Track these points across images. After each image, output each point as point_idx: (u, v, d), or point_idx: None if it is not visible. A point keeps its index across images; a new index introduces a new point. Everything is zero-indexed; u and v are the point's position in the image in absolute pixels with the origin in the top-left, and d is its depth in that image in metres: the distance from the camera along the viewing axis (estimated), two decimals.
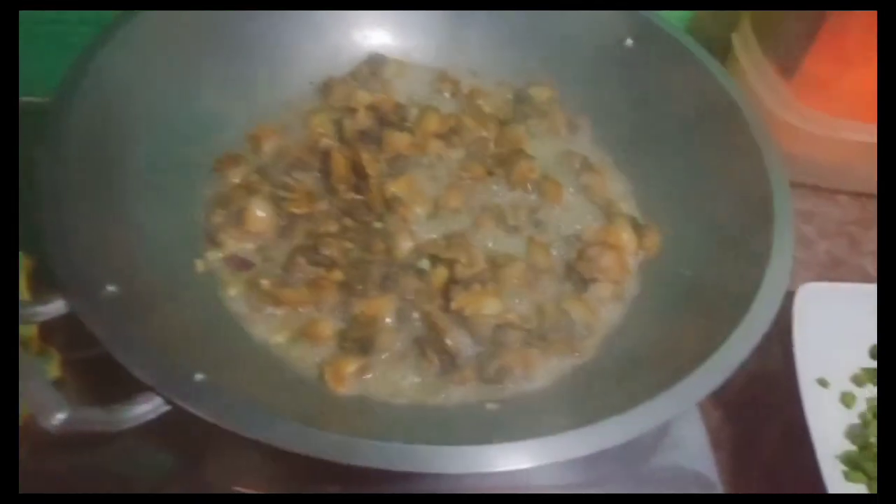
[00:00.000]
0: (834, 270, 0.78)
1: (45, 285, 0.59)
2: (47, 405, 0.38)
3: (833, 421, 0.64)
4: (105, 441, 0.57)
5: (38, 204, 0.49)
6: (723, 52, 0.81)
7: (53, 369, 0.57)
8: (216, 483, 0.56)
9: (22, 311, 0.43)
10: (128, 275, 0.50)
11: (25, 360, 0.39)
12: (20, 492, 0.44)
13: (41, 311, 0.44)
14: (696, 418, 0.63)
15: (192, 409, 0.42)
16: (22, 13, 0.81)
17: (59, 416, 0.38)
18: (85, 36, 0.83)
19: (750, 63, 0.80)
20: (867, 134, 0.75)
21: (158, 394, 0.42)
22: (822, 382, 0.66)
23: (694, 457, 0.61)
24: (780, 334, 0.64)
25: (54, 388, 0.39)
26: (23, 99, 0.88)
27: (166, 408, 0.42)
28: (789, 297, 0.64)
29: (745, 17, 0.83)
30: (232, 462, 0.57)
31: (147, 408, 0.41)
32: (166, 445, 0.58)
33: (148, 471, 0.57)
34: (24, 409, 0.54)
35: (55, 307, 0.45)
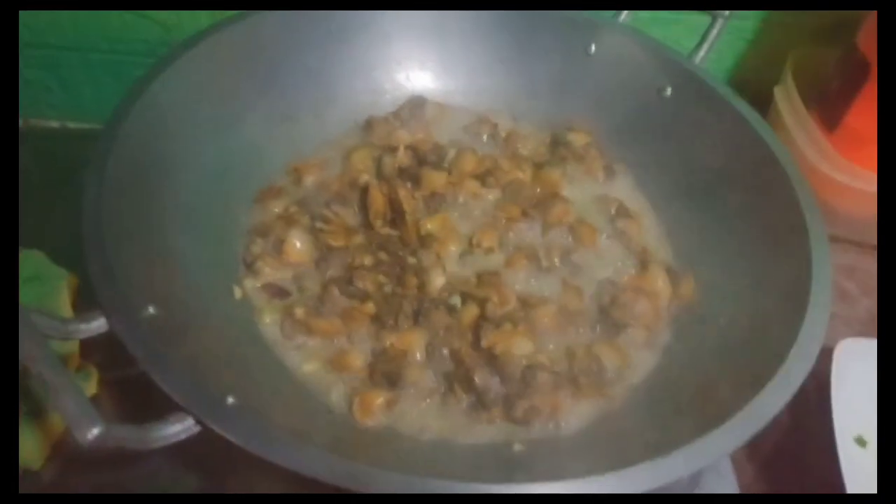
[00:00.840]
0: (875, 327, 0.76)
1: (88, 304, 0.61)
2: (82, 420, 0.39)
3: (871, 480, 0.62)
4: (130, 462, 0.59)
5: (83, 225, 0.51)
6: (765, 104, 0.81)
7: (91, 386, 0.59)
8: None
9: (64, 328, 0.45)
10: (167, 298, 0.51)
11: (63, 374, 0.40)
12: None
13: (83, 328, 0.45)
14: (728, 472, 0.62)
15: (222, 432, 0.42)
16: (79, 43, 0.85)
17: (94, 432, 0.38)
18: (142, 67, 0.88)
19: (792, 116, 0.80)
20: None
21: (190, 414, 0.42)
22: (860, 441, 0.64)
23: None
24: (819, 390, 0.62)
25: (90, 403, 0.39)
26: (78, 125, 0.92)
27: (197, 429, 0.43)
28: (828, 353, 0.63)
29: (788, 71, 0.83)
30: (253, 484, 0.58)
31: (178, 428, 0.42)
32: (190, 468, 0.59)
33: (171, 491, 0.58)
34: (58, 425, 0.56)
35: (96, 325, 0.46)
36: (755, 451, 0.64)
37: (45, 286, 0.59)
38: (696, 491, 0.60)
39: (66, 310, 0.59)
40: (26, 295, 0.57)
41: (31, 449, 0.55)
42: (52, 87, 0.89)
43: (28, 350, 0.40)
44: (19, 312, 0.41)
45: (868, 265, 0.82)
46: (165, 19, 0.83)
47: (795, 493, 0.63)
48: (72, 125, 0.92)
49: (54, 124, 0.92)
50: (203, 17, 0.81)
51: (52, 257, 0.64)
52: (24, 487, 0.55)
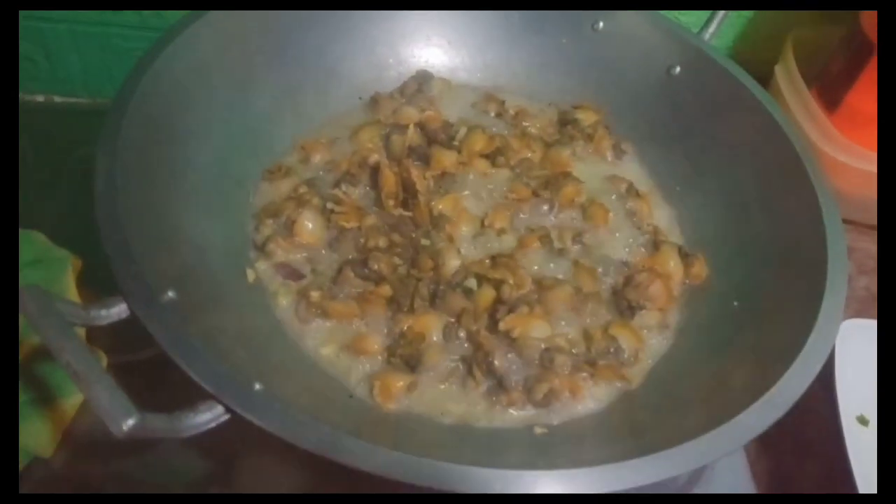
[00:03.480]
0: (872, 306, 0.77)
1: (94, 287, 0.60)
2: (118, 411, 0.37)
3: (873, 459, 0.63)
4: (141, 448, 0.58)
5: (98, 207, 0.49)
6: (764, 82, 0.81)
7: None
8: (247, 487, 0.56)
9: (86, 315, 0.43)
10: (184, 281, 0.50)
11: (94, 364, 0.39)
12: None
13: (104, 314, 0.44)
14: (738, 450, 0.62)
15: (254, 420, 0.41)
16: (65, 13, 0.82)
17: (129, 423, 0.37)
18: (131, 39, 0.85)
19: (793, 95, 0.81)
20: None
21: (220, 403, 0.41)
22: (862, 420, 0.65)
23: (733, 489, 0.60)
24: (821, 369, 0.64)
25: (123, 393, 0.38)
26: (65, 100, 0.89)
27: (227, 416, 0.42)
28: None
29: (788, 49, 0.83)
30: (262, 467, 0.57)
31: (209, 416, 0.41)
32: (201, 453, 0.58)
33: (181, 477, 0.57)
34: (69, 412, 0.55)
35: (116, 311, 0.44)
36: None
37: (49, 270, 0.57)
38: (706, 469, 0.61)
39: (72, 294, 0.57)
40: (30, 279, 0.55)
41: (41, 436, 0.53)
42: (36, 59, 0.86)
43: (55, 340, 0.39)
44: (44, 300, 0.40)
45: (865, 245, 0.83)
46: None
47: (800, 470, 0.64)
48: (58, 99, 0.89)
49: (39, 98, 0.89)
50: None
51: (53, 238, 0.62)
52: (35, 475, 0.54)
